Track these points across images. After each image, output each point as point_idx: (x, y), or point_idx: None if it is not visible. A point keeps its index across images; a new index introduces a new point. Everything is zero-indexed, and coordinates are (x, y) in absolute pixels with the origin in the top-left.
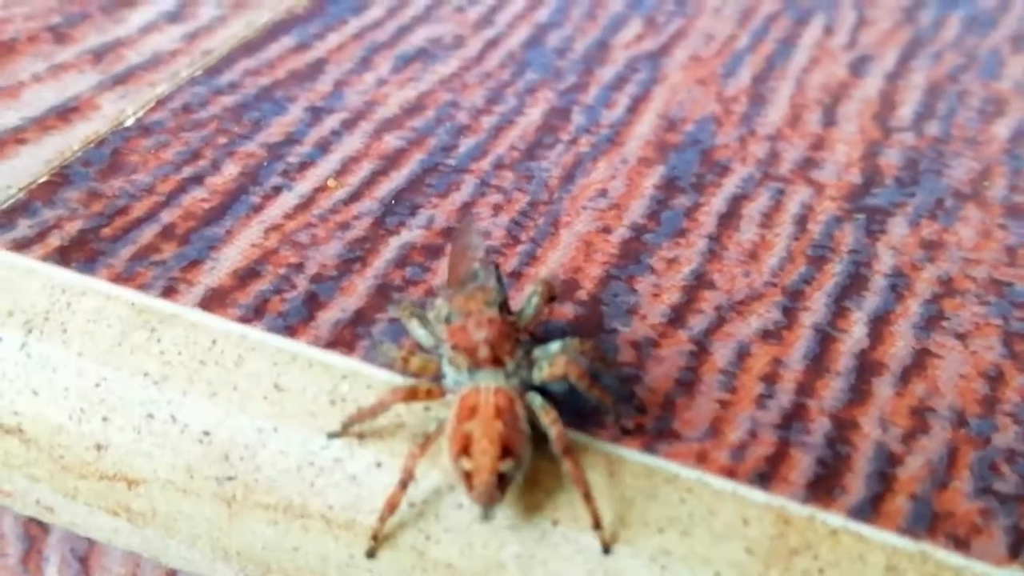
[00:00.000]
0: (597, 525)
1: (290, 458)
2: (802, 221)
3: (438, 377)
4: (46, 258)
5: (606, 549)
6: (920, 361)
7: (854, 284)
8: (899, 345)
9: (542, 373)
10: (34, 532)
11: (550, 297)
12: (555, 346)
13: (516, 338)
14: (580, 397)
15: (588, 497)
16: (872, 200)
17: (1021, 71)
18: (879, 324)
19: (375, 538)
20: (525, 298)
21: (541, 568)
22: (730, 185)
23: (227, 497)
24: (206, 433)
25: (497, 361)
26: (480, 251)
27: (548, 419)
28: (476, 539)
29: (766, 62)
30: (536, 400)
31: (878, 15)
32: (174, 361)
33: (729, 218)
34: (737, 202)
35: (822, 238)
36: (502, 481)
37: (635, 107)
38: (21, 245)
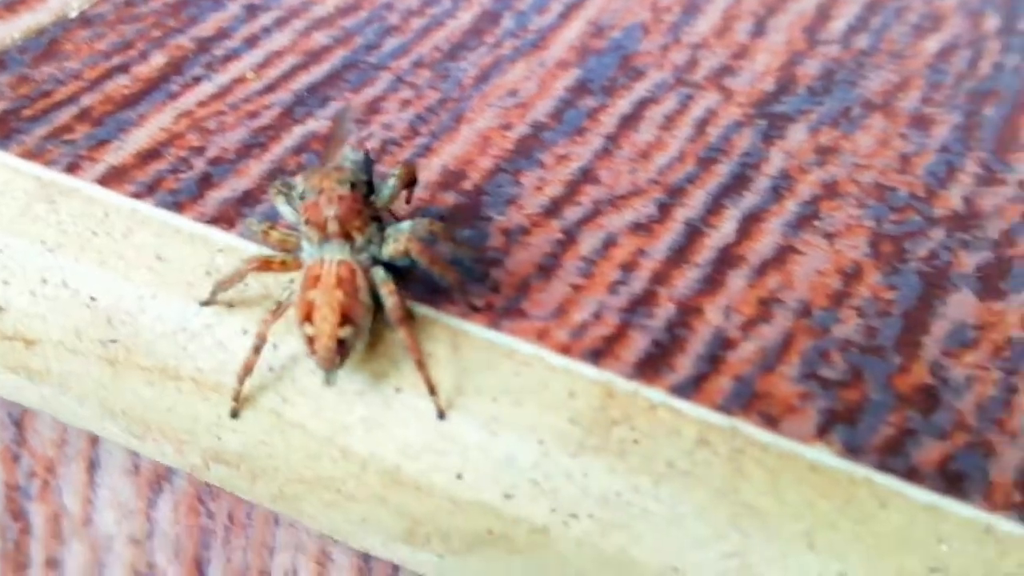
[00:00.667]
0: (432, 391)
1: (167, 323)
2: (702, 125)
3: (298, 251)
4: None
5: (441, 415)
6: (781, 256)
7: (736, 184)
8: (764, 241)
9: (388, 249)
10: None
11: (409, 180)
12: (405, 225)
13: (368, 216)
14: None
15: (421, 365)
16: (778, 108)
17: None
18: (750, 221)
19: (236, 399)
20: (385, 182)
21: (383, 431)
22: (640, 89)
23: (111, 358)
24: (93, 298)
25: (346, 236)
26: (352, 136)
27: (386, 290)
28: (326, 403)
29: None
30: (379, 274)
31: None
32: (69, 231)
33: (631, 120)
34: (643, 105)
35: (717, 141)
36: (342, 347)
37: (567, 13)
38: None
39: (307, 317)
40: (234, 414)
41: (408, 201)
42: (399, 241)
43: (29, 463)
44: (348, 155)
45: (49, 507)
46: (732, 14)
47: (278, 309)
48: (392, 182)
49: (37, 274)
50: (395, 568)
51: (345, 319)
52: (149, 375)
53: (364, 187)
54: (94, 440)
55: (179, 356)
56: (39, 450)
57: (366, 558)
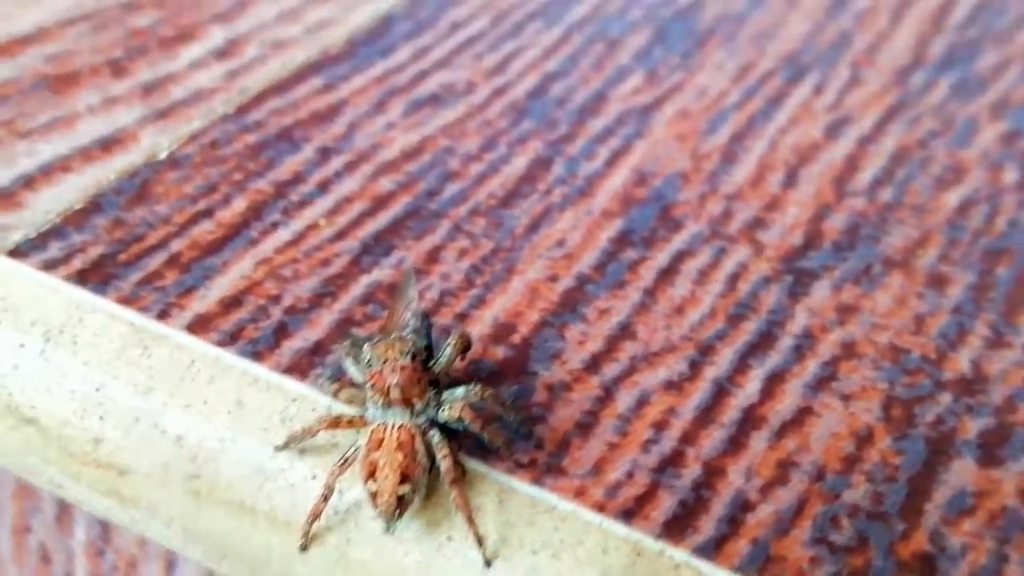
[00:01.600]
0: (479, 543)
1: (244, 465)
2: (733, 280)
3: (364, 408)
4: (68, 278)
5: (487, 564)
6: (799, 418)
7: (762, 343)
8: (786, 402)
9: (444, 414)
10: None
11: (464, 347)
12: (460, 391)
13: (425, 383)
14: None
15: (470, 521)
16: (805, 263)
17: (992, 139)
18: (773, 381)
19: (305, 537)
20: (442, 347)
21: (437, 574)
22: (678, 241)
23: (194, 491)
24: (180, 437)
25: (407, 402)
26: (414, 302)
27: (440, 454)
28: (386, 546)
29: (748, 120)
30: (435, 437)
31: (870, 76)
32: (159, 375)
33: (668, 274)
34: (680, 258)
35: (747, 297)
36: (401, 502)
37: (613, 160)
38: (49, 265)
39: (371, 475)
40: (303, 549)
41: (463, 361)
42: (454, 408)
43: (113, 559)
44: (410, 320)
45: None
46: (766, 163)
47: (344, 463)
48: (448, 351)
49: (130, 413)
50: None
51: (404, 478)
52: (228, 508)
53: (424, 354)
54: None
55: (255, 494)
56: (123, 548)
57: None
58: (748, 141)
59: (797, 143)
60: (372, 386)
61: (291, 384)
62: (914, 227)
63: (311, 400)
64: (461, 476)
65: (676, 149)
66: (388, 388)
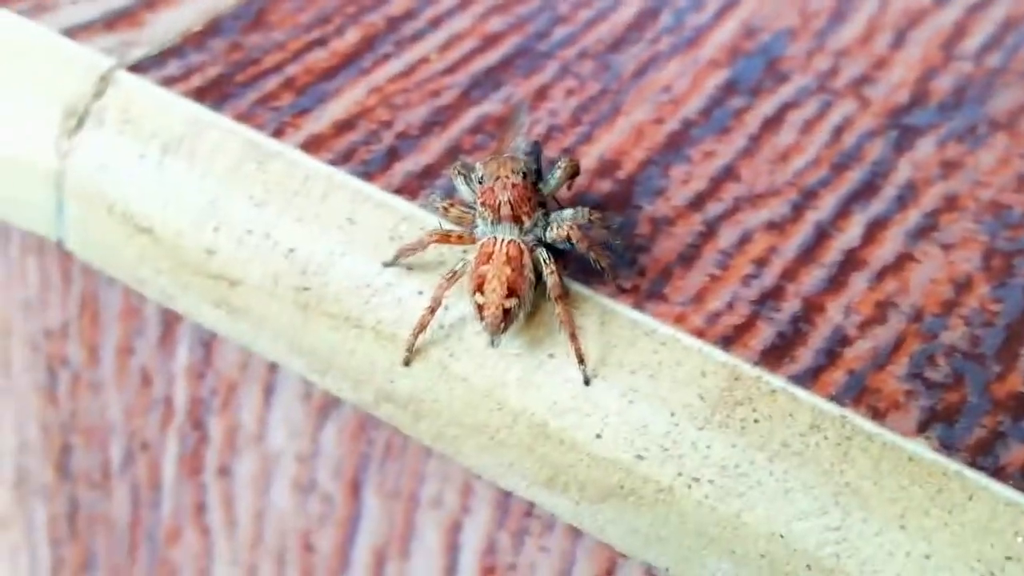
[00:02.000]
0: (580, 361)
1: (353, 279)
2: (838, 132)
3: (472, 227)
4: (187, 94)
5: (587, 382)
6: (900, 263)
7: (865, 191)
8: (887, 247)
9: (552, 233)
10: (170, 319)
11: (572, 173)
12: (567, 212)
13: (535, 202)
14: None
15: (573, 337)
16: (910, 119)
17: None
18: (875, 228)
19: (409, 351)
20: (552, 171)
21: (535, 390)
22: (784, 93)
23: (302, 304)
24: (291, 250)
25: (516, 219)
26: (524, 127)
27: (547, 270)
28: (488, 361)
29: None
30: (543, 254)
31: None
32: (274, 189)
33: (773, 122)
34: (785, 108)
35: (851, 148)
36: (507, 316)
37: (722, 13)
38: (169, 81)
39: (479, 288)
40: (406, 363)
41: (570, 189)
42: (562, 227)
43: (213, 382)
44: (521, 145)
45: (227, 421)
46: (875, 24)
47: (452, 276)
48: (558, 174)
49: (243, 225)
50: (530, 506)
51: (511, 292)
52: (335, 322)
53: (534, 176)
54: (272, 367)
55: (362, 308)
56: (224, 371)
57: (505, 494)
58: (858, 2)
59: (907, 6)
60: (483, 203)
61: (402, 203)
62: (1021, 91)
63: (420, 219)
64: (566, 293)
65: (785, 5)
66: (499, 204)
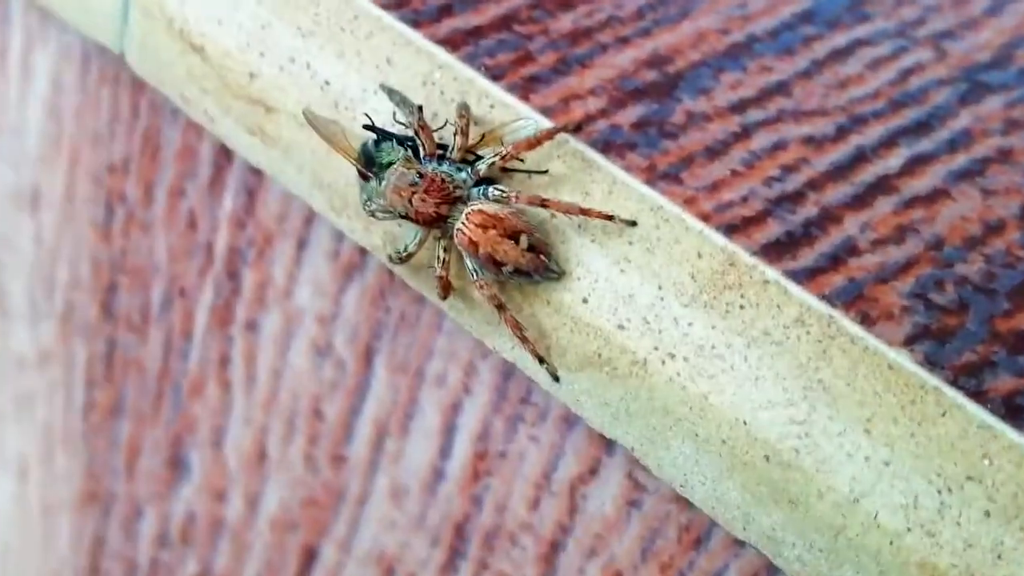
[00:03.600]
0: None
1: (379, 116)
2: (906, 74)
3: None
4: None
5: (555, 378)
6: (933, 197)
7: (918, 129)
8: (924, 181)
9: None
10: (221, 162)
11: (465, 116)
12: (483, 160)
13: (451, 185)
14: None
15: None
16: (985, 77)
17: None
18: (918, 162)
19: (544, 363)
20: (450, 132)
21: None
22: (861, 31)
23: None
24: (327, 82)
25: (457, 201)
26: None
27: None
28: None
29: None
30: (471, 263)
31: None
32: (323, 23)
33: (841, 54)
34: (858, 44)
35: (916, 91)
36: (536, 251)
37: None
38: None
39: (496, 264)
40: (555, 378)
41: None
42: (491, 169)
43: (252, 232)
44: (387, 150)
45: (260, 274)
46: None
47: (445, 266)
48: (457, 139)
49: (287, 53)
50: (527, 393)
51: (513, 235)
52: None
53: (429, 163)
54: (309, 220)
55: None
56: (263, 221)
57: (505, 375)
58: None
59: None
60: (422, 222)
61: (441, 53)
62: None
63: (456, 69)
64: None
65: None
66: (434, 214)
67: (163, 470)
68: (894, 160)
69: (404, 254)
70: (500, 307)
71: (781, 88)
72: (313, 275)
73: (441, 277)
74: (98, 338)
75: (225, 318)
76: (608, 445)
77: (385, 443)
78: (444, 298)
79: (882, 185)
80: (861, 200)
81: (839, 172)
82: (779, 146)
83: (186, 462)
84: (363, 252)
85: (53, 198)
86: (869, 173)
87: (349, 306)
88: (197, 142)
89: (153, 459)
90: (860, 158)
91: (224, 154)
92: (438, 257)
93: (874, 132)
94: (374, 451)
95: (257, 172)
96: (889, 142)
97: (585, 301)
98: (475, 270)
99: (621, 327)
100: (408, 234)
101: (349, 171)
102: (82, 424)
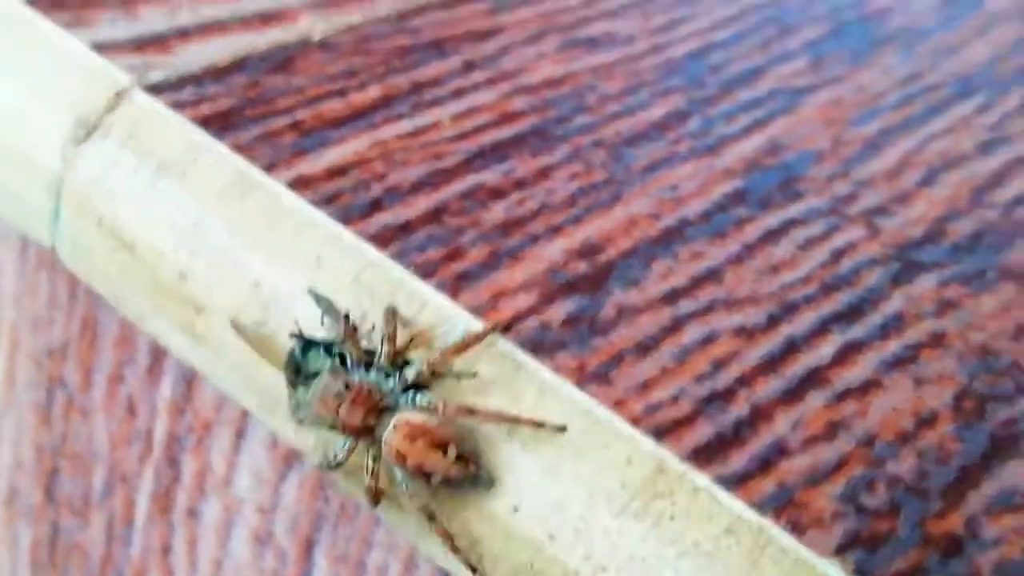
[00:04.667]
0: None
1: (311, 319)
2: (839, 255)
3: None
4: (194, 119)
5: (474, 570)
6: (865, 388)
7: (849, 314)
8: (855, 371)
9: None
10: (158, 350)
11: (393, 324)
12: (409, 370)
13: (376, 395)
14: None
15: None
16: (918, 255)
17: None
18: (849, 350)
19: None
20: (378, 337)
21: None
22: (793, 210)
23: (260, 338)
24: (256, 284)
25: (384, 410)
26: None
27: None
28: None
29: (902, 120)
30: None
31: None
32: (251, 220)
33: (773, 235)
34: (790, 224)
35: (848, 273)
36: (464, 460)
37: (752, 128)
38: (179, 105)
39: (424, 475)
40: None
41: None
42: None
43: (190, 419)
44: (314, 358)
45: (199, 462)
46: (908, 160)
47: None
48: (385, 346)
49: (218, 252)
50: None
51: (440, 446)
52: None
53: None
54: (246, 412)
55: None
56: (201, 409)
57: (444, 571)
58: (895, 138)
59: (946, 150)
60: (349, 431)
61: (371, 251)
62: None
63: (387, 268)
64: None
65: (820, 130)
66: (360, 425)
67: None
68: (826, 349)
69: (334, 462)
70: (431, 517)
71: (712, 275)
72: (252, 463)
73: (370, 488)
74: (42, 522)
75: (166, 505)
76: None
77: None
78: (375, 505)
79: (813, 378)
80: (792, 395)
81: (770, 365)
82: (710, 339)
83: None
84: None
85: None
86: (800, 365)
87: (289, 495)
88: (133, 330)
89: None
90: (791, 348)
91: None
92: (366, 467)
93: (805, 320)
94: None
95: None
96: (821, 329)
97: (516, 510)
98: (404, 481)
99: (552, 537)
100: (338, 442)
101: (280, 376)
102: None
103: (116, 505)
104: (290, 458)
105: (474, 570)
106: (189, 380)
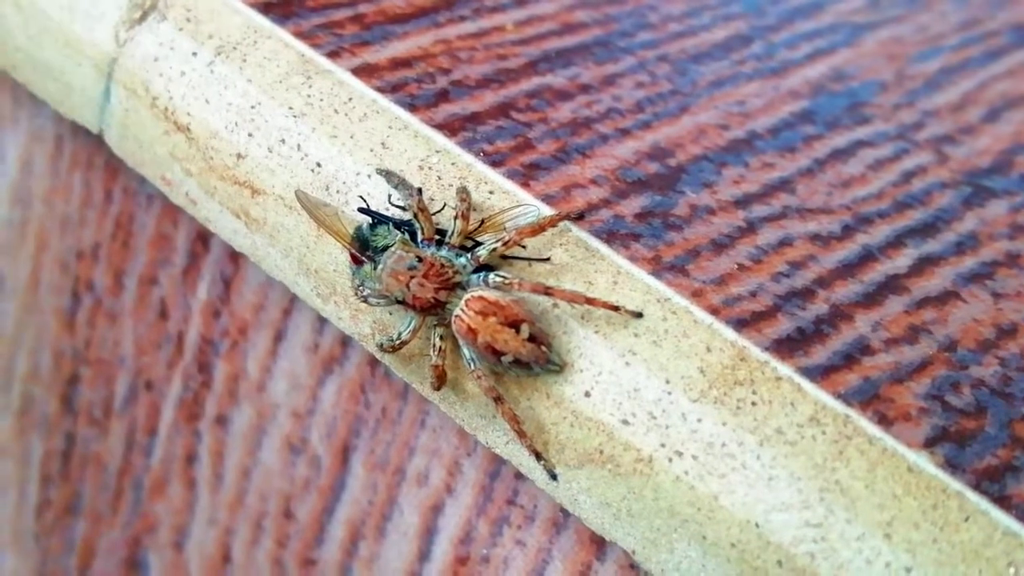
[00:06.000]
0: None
1: (373, 200)
2: (909, 176)
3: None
4: (253, 5)
5: (552, 476)
6: (943, 298)
7: (924, 230)
8: (933, 282)
9: (484, 259)
10: (197, 250)
11: (467, 199)
12: (483, 246)
13: (449, 271)
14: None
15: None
16: (987, 182)
17: None
18: (926, 263)
19: (539, 458)
20: (450, 221)
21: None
22: (861, 133)
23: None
24: (319, 164)
25: (456, 287)
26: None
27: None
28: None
29: (961, 61)
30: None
31: None
32: (315, 104)
33: (842, 154)
34: (859, 146)
35: (919, 192)
36: (536, 340)
37: (814, 56)
38: None
39: (495, 353)
40: (552, 476)
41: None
42: (491, 257)
43: (226, 322)
44: (383, 234)
45: (232, 367)
46: (970, 98)
47: (442, 353)
48: (458, 224)
49: (278, 133)
50: (514, 494)
51: (514, 324)
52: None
53: (427, 248)
54: (287, 311)
55: None
56: (239, 311)
57: (492, 475)
58: (956, 77)
59: (1007, 91)
60: (419, 309)
61: (438, 137)
62: None
63: (453, 154)
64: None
65: (882, 63)
66: (430, 301)
67: (119, 573)
68: (902, 260)
69: (397, 342)
70: (497, 399)
71: (784, 184)
72: (290, 368)
73: (437, 366)
74: (56, 433)
75: (193, 412)
76: (600, 550)
77: (359, 546)
78: (438, 388)
79: (892, 285)
80: (871, 299)
81: (847, 270)
82: (785, 242)
83: (144, 565)
84: (344, 345)
85: (17, 285)
86: (878, 272)
87: (327, 401)
88: (172, 229)
89: (109, 561)
90: (868, 257)
91: (201, 242)
92: (434, 345)
93: (880, 232)
94: (347, 555)
95: (235, 261)
96: (896, 242)
97: (587, 395)
98: (472, 359)
99: (625, 422)
100: (402, 322)
101: (338, 256)
102: (34, 523)
103: (139, 413)
104: (331, 361)
105: (539, 457)
106: (228, 281)
